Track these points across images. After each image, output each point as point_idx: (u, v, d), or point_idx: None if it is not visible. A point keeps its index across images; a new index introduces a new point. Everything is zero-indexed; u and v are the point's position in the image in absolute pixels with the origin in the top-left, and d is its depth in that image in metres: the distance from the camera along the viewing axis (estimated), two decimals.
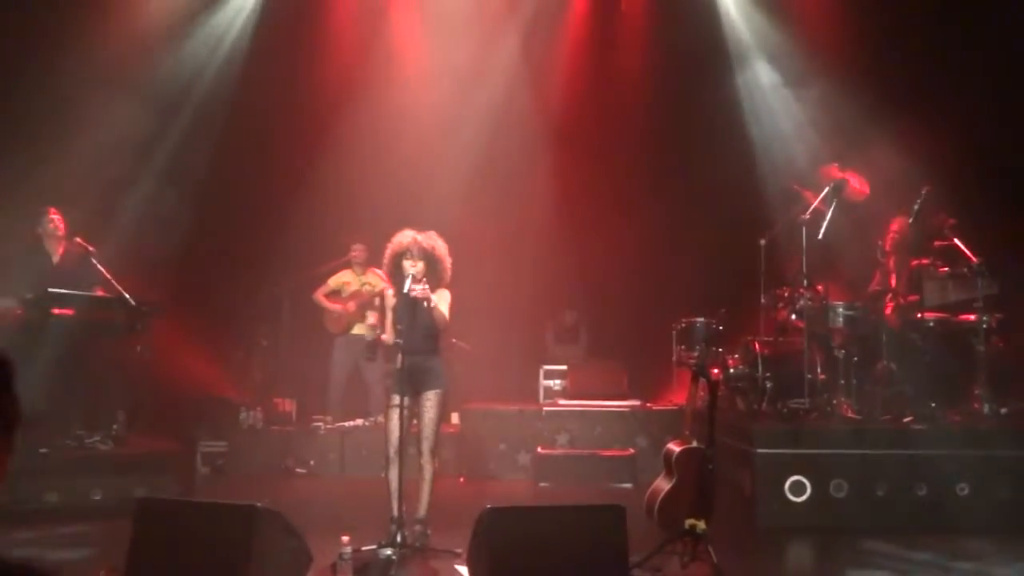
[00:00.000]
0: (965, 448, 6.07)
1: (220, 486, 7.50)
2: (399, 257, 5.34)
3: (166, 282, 7.91)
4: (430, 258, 5.33)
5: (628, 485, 7.45)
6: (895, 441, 6.18)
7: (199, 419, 8.09)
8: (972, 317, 6.65)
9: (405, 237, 5.36)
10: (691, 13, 8.97)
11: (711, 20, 9.01)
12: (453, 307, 5.41)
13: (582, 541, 4.23)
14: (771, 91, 8.94)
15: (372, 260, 8.44)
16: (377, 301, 7.99)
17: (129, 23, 8.29)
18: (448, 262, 5.40)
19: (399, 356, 5.18)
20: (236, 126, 8.61)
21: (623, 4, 9.44)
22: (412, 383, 5.26)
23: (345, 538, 4.59)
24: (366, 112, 8.94)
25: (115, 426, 6.49)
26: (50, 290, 6.27)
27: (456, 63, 9.08)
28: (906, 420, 6.44)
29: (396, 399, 5.23)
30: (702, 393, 5.36)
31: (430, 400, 5.31)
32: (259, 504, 4.19)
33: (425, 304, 5.18)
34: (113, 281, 6.49)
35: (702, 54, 8.93)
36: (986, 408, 6.49)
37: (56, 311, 6.20)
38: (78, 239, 6.74)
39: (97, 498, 6.04)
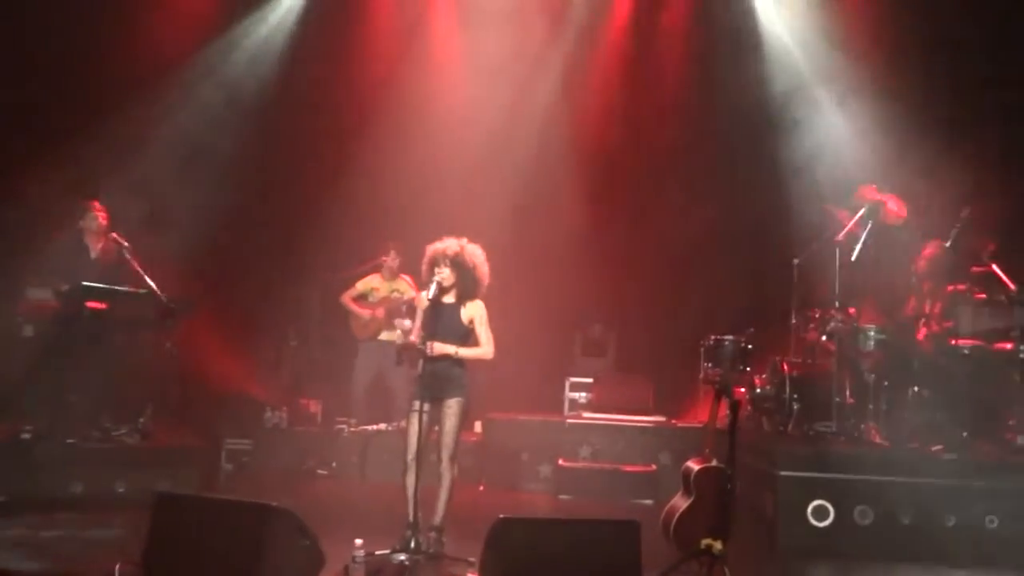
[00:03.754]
0: (996, 480, 5.92)
1: (243, 483, 7.56)
2: (432, 264, 5.37)
3: (199, 279, 8.04)
4: (460, 266, 5.33)
5: (649, 501, 7.37)
6: (923, 469, 6.03)
7: (225, 416, 8.17)
8: (1009, 346, 6.50)
9: (438, 244, 5.39)
10: (730, 28, 8.91)
11: (750, 36, 8.93)
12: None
13: (595, 555, 4.19)
14: (811, 110, 8.83)
15: (404, 266, 8.47)
16: (405, 308, 8.07)
17: (172, 19, 8.46)
18: (482, 271, 5.37)
19: (420, 362, 5.19)
20: (274, 125, 8.71)
21: (663, 19, 9.40)
22: (434, 390, 5.26)
23: (358, 541, 4.61)
24: (403, 117, 9.00)
25: (142, 420, 6.57)
26: (84, 283, 6.39)
27: (493, 73, 9.10)
28: (935, 448, 6.29)
29: (417, 405, 5.24)
30: (725, 412, 5.29)
31: (451, 408, 5.30)
32: (274, 503, 4.22)
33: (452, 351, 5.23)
34: (146, 277, 6.59)
35: (739, 70, 8.85)
36: (1020, 439, 6.32)
37: (90, 304, 6.30)
38: (114, 234, 6.86)
39: (121, 490, 6.12)
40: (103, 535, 5.45)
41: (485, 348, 5.34)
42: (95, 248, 6.97)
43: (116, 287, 6.63)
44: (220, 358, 8.40)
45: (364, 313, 8.41)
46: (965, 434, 6.32)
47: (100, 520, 5.69)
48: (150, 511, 4.20)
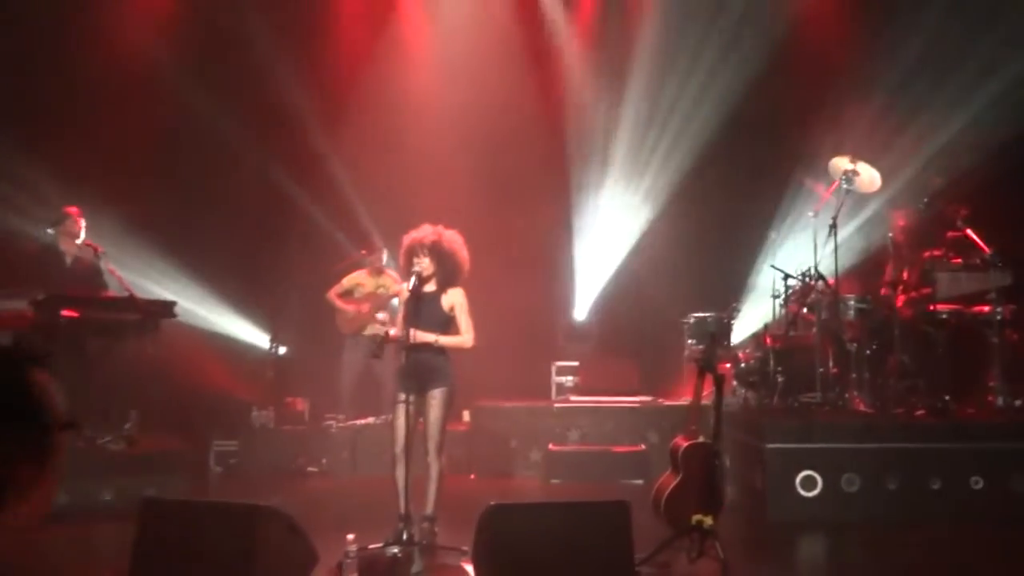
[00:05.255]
0: (979, 441, 6.01)
1: (232, 486, 7.54)
2: (410, 254, 5.33)
3: (178, 281, 7.99)
4: (438, 254, 5.29)
5: (639, 481, 7.40)
6: (908, 434, 6.12)
7: (212, 418, 8.13)
8: (986, 309, 6.57)
9: (416, 233, 5.35)
10: (701, 11, 8.90)
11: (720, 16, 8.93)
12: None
13: (586, 537, 4.20)
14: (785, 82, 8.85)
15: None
16: (396, 301, 8.06)
17: (135, 19, 8.37)
18: (461, 257, 5.33)
19: (403, 353, 5.17)
20: (250, 122, 8.63)
21: (629, 4, 9.36)
22: (418, 381, 5.24)
23: (350, 536, 4.60)
24: (378, 111, 8.96)
25: (127, 426, 6.51)
26: (61, 292, 6.32)
27: (465, 60, 9.07)
28: (919, 413, 6.37)
29: (402, 397, 5.22)
30: (710, 388, 5.31)
31: (436, 399, 5.27)
32: (263, 503, 4.20)
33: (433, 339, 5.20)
34: (124, 282, 6.54)
35: (710, 48, 8.85)
36: (1000, 400, 6.40)
37: (66, 313, 6.24)
38: (88, 241, 6.79)
39: (108, 498, 6.08)
40: (90, 545, 5.41)
41: (465, 336, 5.31)
42: (69, 255, 6.89)
43: (93, 294, 6.57)
44: (203, 360, 8.34)
45: (349, 309, 8.38)
46: (947, 398, 6.40)
47: (87, 530, 5.65)
48: (136, 518, 4.16)
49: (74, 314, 6.24)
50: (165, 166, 8.49)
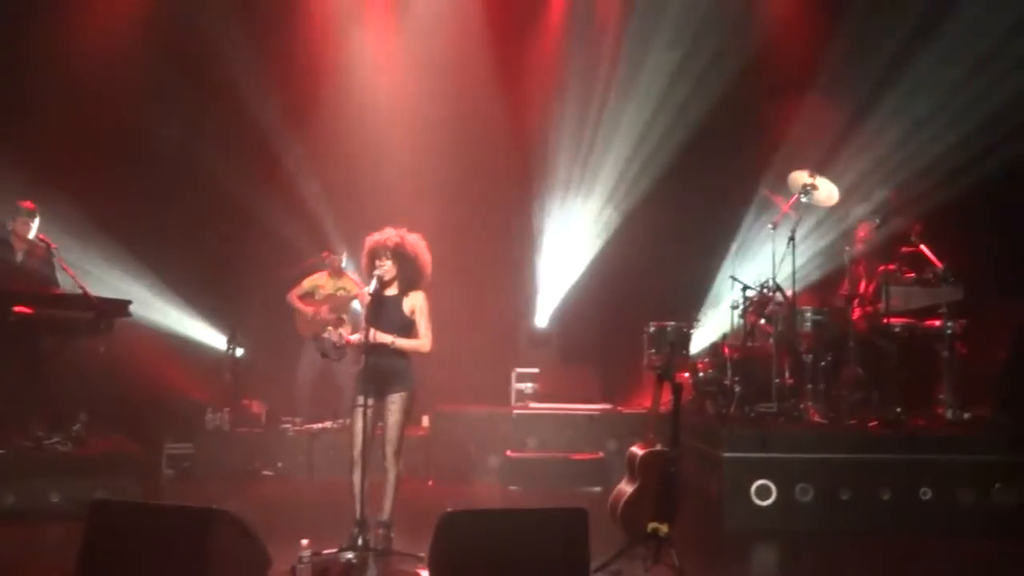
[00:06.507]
0: (928, 453, 6.13)
1: (185, 489, 7.40)
2: (372, 257, 5.30)
3: (135, 280, 7.86)
4: (400, 257, 5.27)
5: (597, 489, 7.43)
6: (860, 445, 6.22)
7: (164, 420, 7.98)
8: (937, 323, 6.72)
9: (378, 236, 5.32)
10: (666, 24, 9.00)
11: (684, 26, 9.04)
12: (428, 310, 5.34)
13: (543, 544, 4.20)
14: (746, 97, 8.98)
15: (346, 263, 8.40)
16: (356, 304, 8.02)
17: (99, 18, 8.23)
18: (423, 261, 5.31)
19: (363, 357, 5.13)
20: (208, 123, 8.53)
21: (598, 8, 9.44)
22: (378, 384, 5.20)
23: (305, 541, 4.54)
24: (340, 112, 8.90)
25: (76, 427, 6.38)
26: (11, 288, 6.16)
27: (429, 64, 9.06)
28: (871, 424, 6.49)
29: (361, 400, 5.18)
30: (668, 397, 5.35)
31: (395, 403, 5.24)
32: (215, 507, 4.13)
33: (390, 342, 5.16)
34: (77, 279, 6.40)
35: (675, 61, 8.95)
36: (949, 413, 6.55)
37: (17, 309, 6.08)
38: (41, 236, 6.65)
39: (55, 501, 5.94)
40: (37, 547, 5.29)
41: (422, 340, 5.28)
42: (20, 250, 6.73)
43: (45, 290, 6.42)
44: (157, 360, 8.19)
45: (308, 310, 8.33)
46: (899, 410, 6.53)
47: (34, 532, 5.51)
48: (85, 520, 4.06)
49: (27, 310, 6.10)
50: (125, 164, 8.34)
